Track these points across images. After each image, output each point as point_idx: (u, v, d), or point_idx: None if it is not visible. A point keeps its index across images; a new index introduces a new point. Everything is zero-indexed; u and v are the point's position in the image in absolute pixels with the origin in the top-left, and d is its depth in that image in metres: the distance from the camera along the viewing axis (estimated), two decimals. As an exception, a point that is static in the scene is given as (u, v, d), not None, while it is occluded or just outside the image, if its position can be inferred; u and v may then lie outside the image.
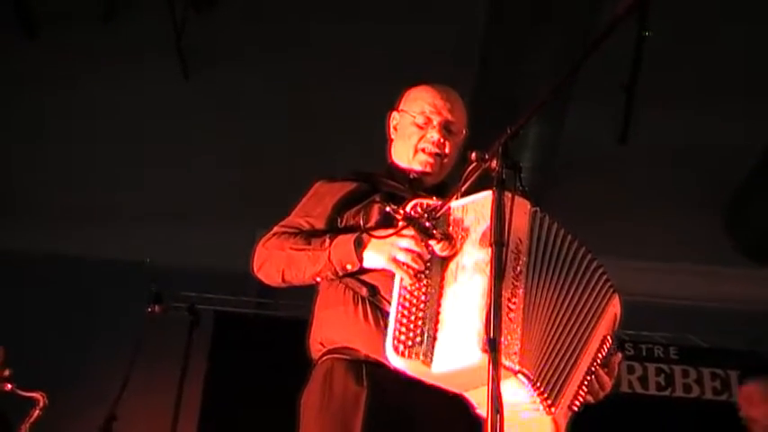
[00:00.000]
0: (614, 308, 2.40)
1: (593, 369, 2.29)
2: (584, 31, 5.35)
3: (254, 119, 6.95)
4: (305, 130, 6.85)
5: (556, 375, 2.14)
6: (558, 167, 6.71)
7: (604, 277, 2.38)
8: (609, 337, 2.36)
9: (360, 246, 2.31)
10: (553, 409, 2.12)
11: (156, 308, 5.42)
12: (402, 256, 2.21)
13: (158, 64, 6.84)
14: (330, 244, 2.36)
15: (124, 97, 6.89)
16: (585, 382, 2.26)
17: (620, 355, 2.41)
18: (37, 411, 5.01)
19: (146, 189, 7.14)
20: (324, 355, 2.43)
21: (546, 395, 2.10)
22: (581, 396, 2.24)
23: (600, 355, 2.32)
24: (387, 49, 6.56)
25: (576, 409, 2.22)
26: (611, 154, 7.25)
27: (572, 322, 2.24)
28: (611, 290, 2.38)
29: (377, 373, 2.28)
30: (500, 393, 1.80)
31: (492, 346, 1.82)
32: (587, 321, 2.28)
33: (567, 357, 2.19)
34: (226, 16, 6.81)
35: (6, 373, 5.16)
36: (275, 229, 2.59)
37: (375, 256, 2.28)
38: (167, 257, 6.92)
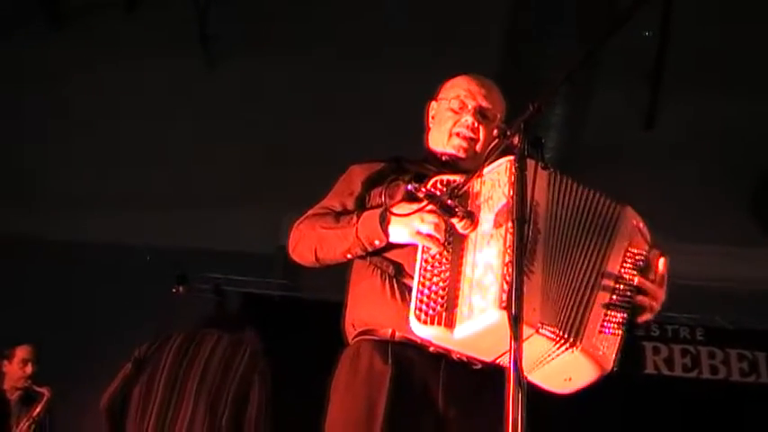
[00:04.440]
0: (631, 219, 2.37)
1: (624, 285, 2.27)
2: (609, 8, 5.32)
3: (277, 106, 6.99)
4: (328, 116, 6.87)
5: (570, 313, 2.14)
6: (585, 151, 6.69)
7: (612, 201, 2.35)
8: (635, 249, 2.33)
9: (384, 221, 2.33)
10: (578, 344, 2.12)
11: (181, 289, 5.46)
12: (425, 228, 2.24)
13: (181, 53, 6.88)
14: (357, 221, 2.40)
15: (148, 86, 6.94)
16: (617, 300, 2.24)
17: (657, 254, 2.36)
18: (40, 406, 5.11)
19: (172, 174, 7.20)
20: (354, 337, 2.46)
21: (564, 336, 2.10)
22: (613, 318, 2.22)
23: (627, 268, 2.30)
24: (411, 38, 6.56)
25: (617, 332, 2.21)
26: (638, 138, 7.23)
27: (584, 258, 2.23)
28: (618, 206, 2.36)
29: (402, 352, 2.31)
30: (521, 354, 1.81)
31: (514, 319, 1.83)
32: (597, 248, 2.27)
33: (580, 289, 2.18)
34: (249, 6, 6.84)
35: (29, 370, 5.25)
36: (309, 212, 2.62)
37: (399, 230, 2.31)
38: (193, 240, 6.98)
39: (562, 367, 2.19)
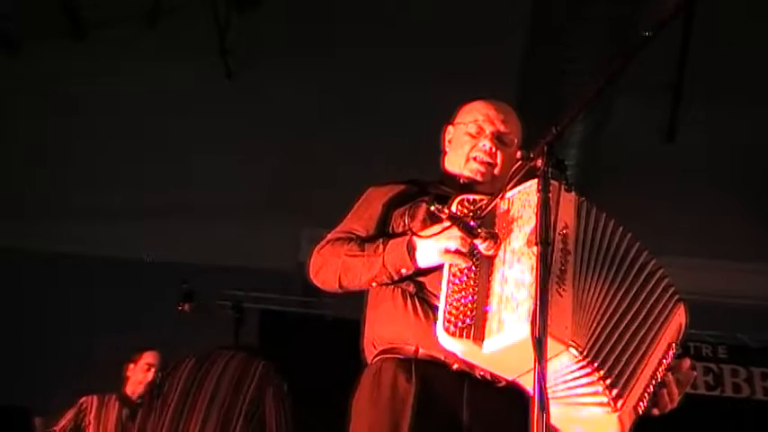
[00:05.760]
0: (680, 317, 2.36)
1: (659, 376, 2.25)
2: (630, 27, 5.31)
3: (296, 118, 7.01)
4: (348, 129, 6.88)
5: (621, 367, 2.11)
6: (605, 165, 6.67)
7: (671, 288, 2.34)
8: (674, 345, 2.31)
9: (411, 248, 2.33)
10: (620, 404, 2.07)
11: (186, 306, 5.45)
12: (452, 245, 2.23)
13: (203, 65, 6.93)
14: (384, 249, 2.39)
15: (169, 97, 6.98)
16: (651, 387, 2.21)
17: (688, 361, 2.35)
18: None
19: (189, 188, 7.22)
20: (375, 356, 2.45)
21: (611, 383, 2.06)
22: (645, 399, 2.19)
23: (665, 362, 2.28)
24: (430, 50, 6.56)
25: (640, 411, 2.17)
26: (658, 152, 7.20)
27: (634, 319, 2.21)
28: (677, 298, 2.36)
29: (426, 370, 2.30)
30: (546, 368, 1.79)
31: (539, 342, 1.81)
32: (651, 323, 2.25)
33: (633, 353, 2.15)
34: (268, 17, 6.88)
35: (151, 376, 5.12)
36: (329, 235, 2.61)
37: (427, 254, 2.30)
38: (214, 256, 6.99)
39: (591, 422, 2.15)
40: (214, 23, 6.77)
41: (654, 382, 2.23)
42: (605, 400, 2.08)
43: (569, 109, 2.13)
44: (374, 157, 6.09)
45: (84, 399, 5.14)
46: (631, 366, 2.14)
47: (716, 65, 6.58)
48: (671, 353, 2.30)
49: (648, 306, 2.27)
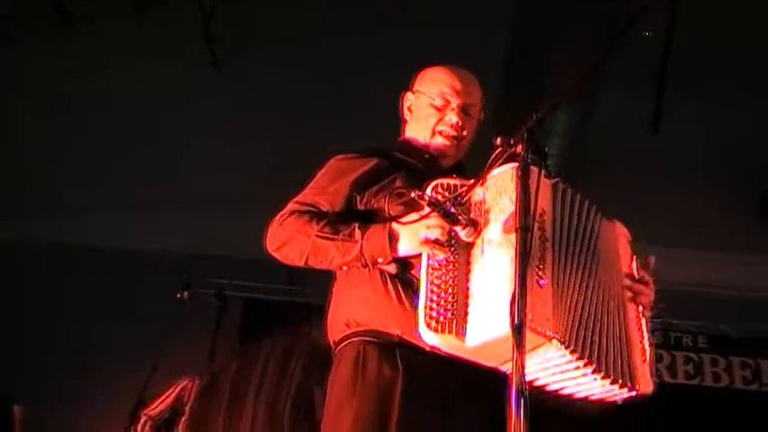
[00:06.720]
0: (622, 235, 2.44)
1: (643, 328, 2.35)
2: (614, 17, 5.31)
3: (282, 106, 6.98)
4: (333, 117, 6.86)
5: (613, 358, 2.18)
6: (590, 156, 6.67)
7: (601, 216, 2.40)
8: (633, 265, 2.41)
9: (393, 239, 2.31)
10: (638, 387, 2.21)
11: (185, 294, 5.43)
12: (432, 234, 2.23)
13: (190, 55, 6.89)
14: (362, 236, 2.35)
15: (155, 86, 6.94)
16: (641, 319, 2.34)
17: (652, 259, 2.43)
18: None
19: (173, 177, 7.19)
20: (350, 336, 2.42)
21: (622, 383, 2.18)
22: (646, 340, 2.31)
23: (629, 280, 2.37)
24: (416, 37, 6.54)
25: (651, 348, 2.32)
26: (643, 143, 7.20)
27: (604, 293, 2.27)
28: (605, 220, 2.42)
29: (410, 356, 2.29)
30: (524, 364, 1.81)
31: (518, 328, 1.82)
32: (616, 285, 2.32)
33: (616, 338, 2.22)
34: (254, 6, 6.85)
35: None
36: (291, 206, 2.57)
37: (408, 246, 2.30)
38: (195, 244, 6.96)
39: None
40: (199, 12, 6.74)
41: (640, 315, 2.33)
42: (624, 394, 2.22)
43: (551, 98, 2.14)
44: (365, 143, 6.04)
45: (186, 382, 4.95)
46: (622, 352, 2.22)
47: (702, 54, 6.57)
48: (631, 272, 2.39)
49: (605, 265, 2.34)
